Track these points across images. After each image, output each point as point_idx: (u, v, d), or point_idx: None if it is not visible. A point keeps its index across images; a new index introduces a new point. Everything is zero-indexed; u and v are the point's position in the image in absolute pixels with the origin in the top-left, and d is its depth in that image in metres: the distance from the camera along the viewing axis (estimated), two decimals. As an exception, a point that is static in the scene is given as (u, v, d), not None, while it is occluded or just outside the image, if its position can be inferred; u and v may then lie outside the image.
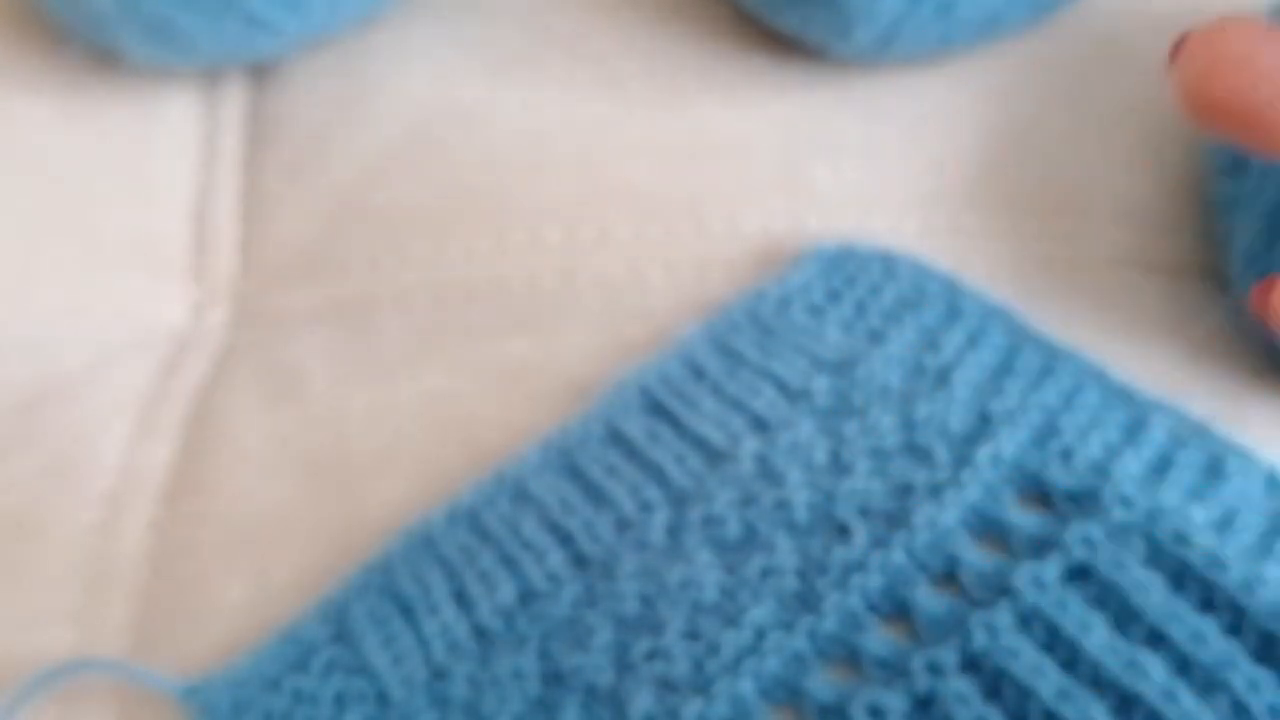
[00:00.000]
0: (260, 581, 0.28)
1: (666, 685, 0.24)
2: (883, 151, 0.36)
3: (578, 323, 0.32)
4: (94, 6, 0.35)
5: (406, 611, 0.26)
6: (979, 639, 0.23)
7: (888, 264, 0.31)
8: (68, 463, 0.30)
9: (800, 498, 0.26)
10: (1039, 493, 0.25)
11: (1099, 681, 0.22)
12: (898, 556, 0.25)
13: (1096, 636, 0.22)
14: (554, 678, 0.24)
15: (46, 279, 0.35)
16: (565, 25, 0.41)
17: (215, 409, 0.32)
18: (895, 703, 0.22)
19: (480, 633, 0.25)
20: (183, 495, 0.30)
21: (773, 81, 0.38)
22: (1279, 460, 0.26)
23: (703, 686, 0.24)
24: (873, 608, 0.24)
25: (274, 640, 0.26)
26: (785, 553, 0.25)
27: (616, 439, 0.29)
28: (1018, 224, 0.34)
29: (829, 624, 0.24)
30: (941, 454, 0.26)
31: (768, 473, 0.27)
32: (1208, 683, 0.21)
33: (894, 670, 0.23)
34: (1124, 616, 0.23)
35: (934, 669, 0.23)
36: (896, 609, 0.24)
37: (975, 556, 0.25)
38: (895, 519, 0.25)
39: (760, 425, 0.28)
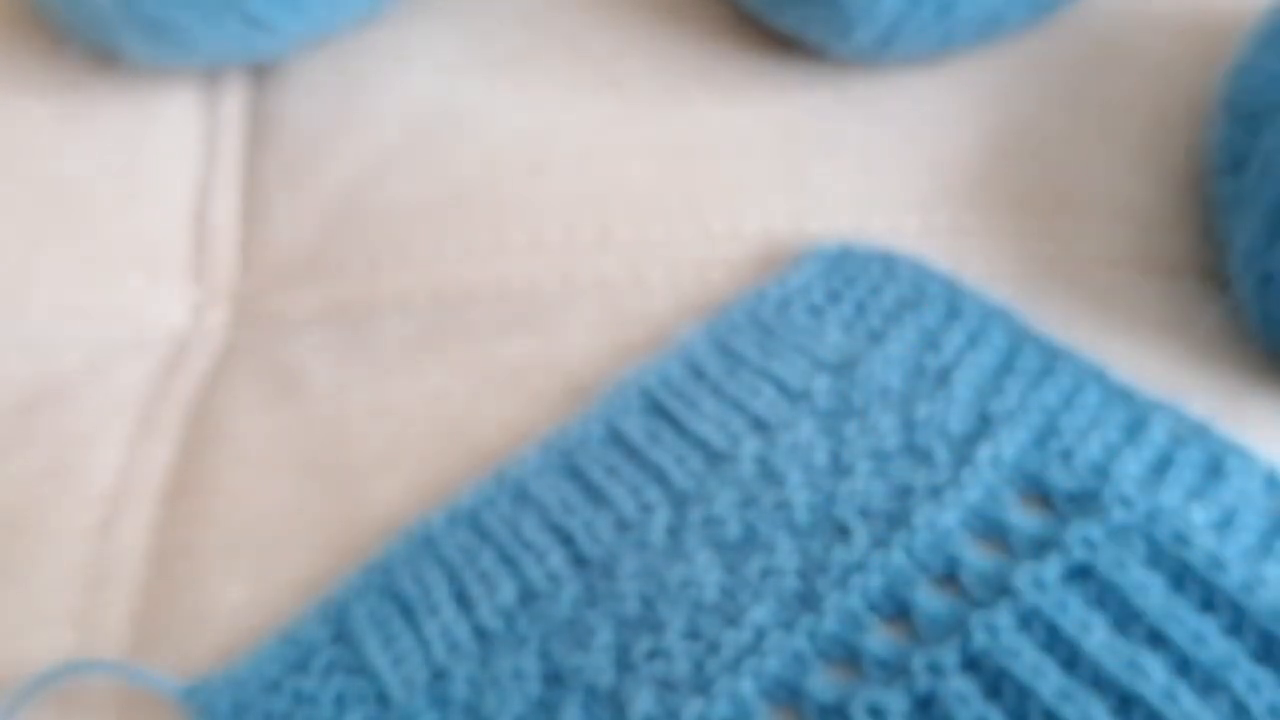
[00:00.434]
0: (260, 582, 0.28)
1: (667, 685, 0.24)
2: (883, 152, 0.36)
3: (578, 323, 0.32)
4: (94, 6, 0.35)
5: (407, 612, 0.26)
6: (979, 639, 0.23)
7: (887, 264, 0.31)
8: (67, 463, 0.30)
9: (800, 498, 0.26)
10: (1039, 493, 0.26)
11: (1099, 681, 0.22)
12: (898, 557, 0.25)
13: (1097, 637, 0.22)
14: (554, 678, 0.24)
15: (46, 279, 0.35)
16: (565, 25, 0.41)
17: (215, 409, 0.32)
18: (895, 703, 0.22)
19: (481, 633, 0.25)
20: (182, 495, 0.30)
21: (773, 81, 0.38)
22: (1279, 460, 0.26)
23: (703, 686, 0.24)
24: (873, 608, 0.24)
25: (274, 641, 0.26)
26: (785, 553, 0.25)
27: (617, 440, 0.29)
28: (1018, 224, 0.34)
29: (829, 624, 0.24)
30: (942, 454, 0.26)
31: (768, 473, 0.27)
32: (1208, 683, 0.22)
33: (894, 670, 0.23)
34: (1124, 617, 0.23)
35: (934, 669, 0.23)
36: (897, 609, 0.24)
37: (975, 557, 0.25)
38: (895, 519, 0.25)
39: (761, 426, 0.28)
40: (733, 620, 0.24)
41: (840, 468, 0.27)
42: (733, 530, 0.26)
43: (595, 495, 0.27)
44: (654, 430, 0.28)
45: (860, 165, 0.35)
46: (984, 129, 0.36)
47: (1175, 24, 0.39)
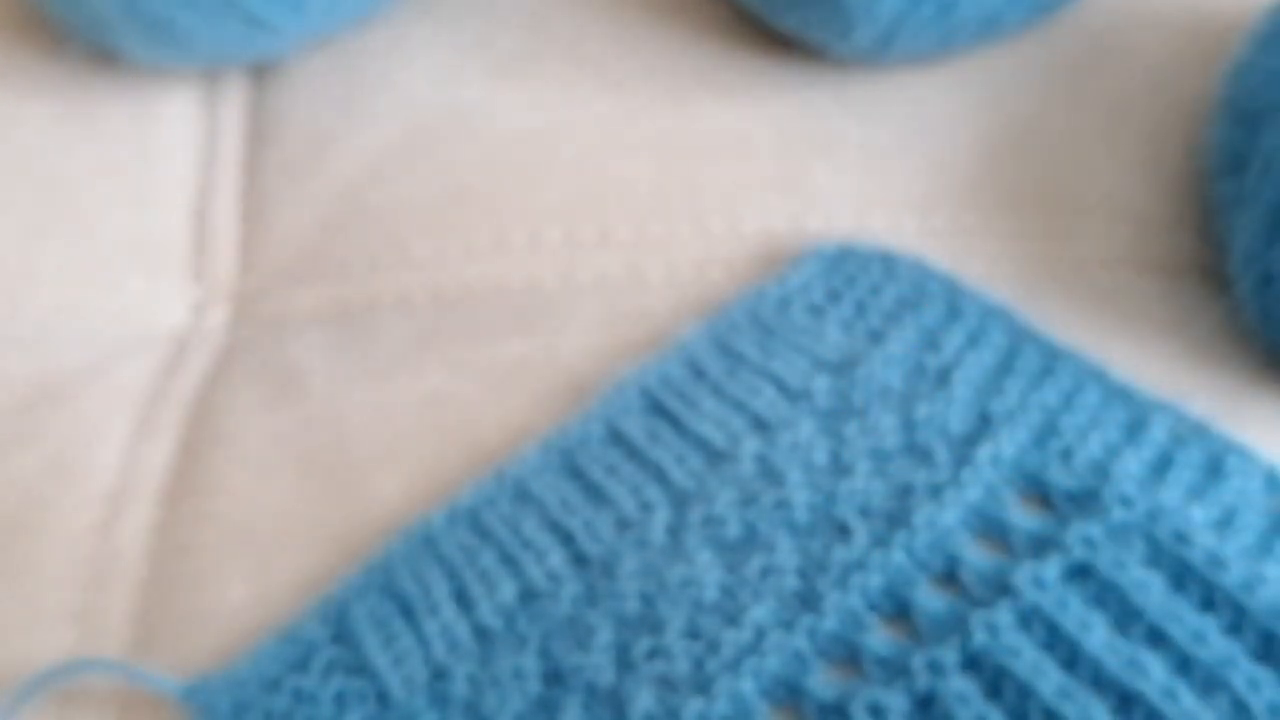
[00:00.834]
0: (260, 581, 0.28)
1: (667, 684, 0.24)
2: (882, 151, 0.36)
3: (578, 323, 0.32)
4: (95, 7, 0.35)
5: (407, 611, 0.26)
6: (980, 638, 0.23)
7: (887, 264, 0.31)
8: (68, 462, 0.30)
9: (801, 498, 0.26)
10: (1039, 493, 0.26)
11: (1099, 680, 0.22)
12: (898, 556, 0.25)
13: (1097, 636, 0.22)
14: (555, 677, 0.24)
15: (47, 278, 0.36)
16: (565, 26, 0.41)
17: (215, 409, 0.32)
18: (896, 702, 0.22)
19: (481, 632, 0.25)
20: (182, 495, 0.30)
21: (772, 81, 0.38)
22: (1279, 460, 0.26)
23: (703, 686, 0.24)
24: (873, 607, 0.24)
25: (274, 640, 0.26)
26: (786, 552, 0.25)
27: (617, 439, 0.29)
28: (1017, 224, 0.34)
29: (829, 623, 0.24)
30: (942, 454, 0.26)
31: (768, 473, 0.27)
32: (1208, 682, 0.21)
33: (894, 669, 0.23)
34: (1124, 616, 0.23)
35: (935, 668, 0.23)
36: (897, 608, 0.24)
37: (976, 556, 0.25)
38: (896, 519, 0.25)
39: (761, 425, 0.28)
40: (733, 619, 0.24)
41: (840, 467, 0.27)
42: (733, 529, 0.26)
43: (595, 494, 0.27)
44: (654, 429, 0.28)
45: (860, 165, 0.36)
46: (983, 129, 0.36)
47: (1173, 24, 0.39)
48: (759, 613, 0.24)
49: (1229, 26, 0.35)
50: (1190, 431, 0.26)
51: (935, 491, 0.26)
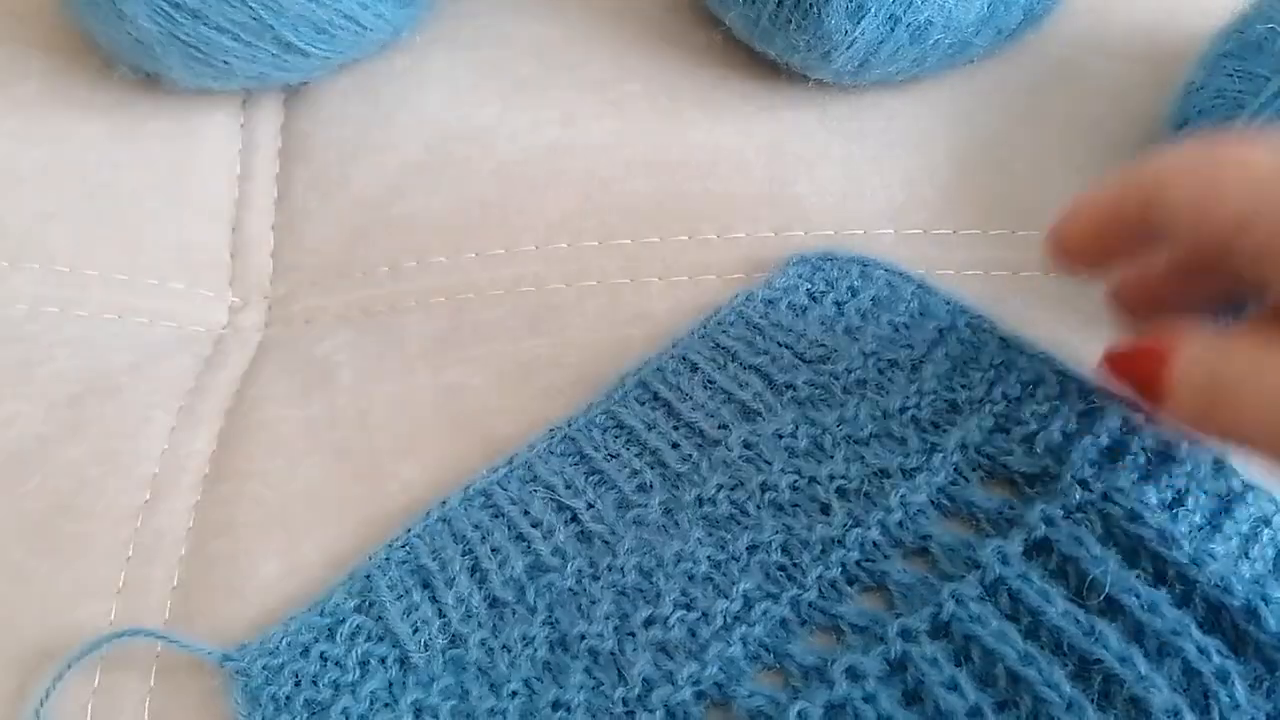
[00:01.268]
0: (291, 558, 0.28)
1: (663, 650, 0.24)
2: (861, 166, 0.36)
3: (582, 323, 0.33)
4: (139, 33, 0.35)
5: (425, 584, 0.26)
6: (949, 608, 0.23)
7: (864, 268, 0.31)
8: (114, 451, 0.30)
9: (784, 480, 0.26)
10: (1003, 475, 0.26)
11: (1059, 647, 0.22)
12: (874, 533, 0.25)
13: (1056, 606, 0.22)
14: (561, 643, 0.24)
15: (96, 283, 0.36)
16: (571, 52, 0.41)
17: (250, 401, 0.32)
18: (872, 666, 0.23)
19: (493, 602, 0.25)
20: (220, 479, 0.30)
21: (760, 103, 0.38)
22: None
23: (696, 651, 0.24)
24: (851, 580, 0.24)
25: (304, 611, 0.26)
26: (771, 530, 0.25)
27: (618, 427, 0.29)
28: (985, 232, 0.34)
29: (811, 594, 0.24)
30: (913, 440, 0.26)
31: (755, 457, 0.27)
32: (1160, 649, 0.21)
33: (871, 636, 0.23)
34: (1082, 588, 0.23)
35: (907, 635, 0.23)
36: (873, 581, 0.24)
37: (945, 533, 0.25)
38: (872, 499, 0.25)
39: (748, 414, 0.28)
40: (723, 591, 0.25)
41: (821, 452, 0.27)
42: (723, 509, 0.26)
43: (598, 477, 0.28)
44: (651, 418, 0.29)
45: (841, 178, 0.36)
46: (954, 145, 0.36)
47: (1129, 51, 0.39)
48: (747, 585, 0.24)
49: (1178, 52, 0.35)
50: (1143, 419, 0.26)
51: (908, 474, 0.26)
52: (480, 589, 0.26)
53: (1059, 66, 0.38)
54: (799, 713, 0.22)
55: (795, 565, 0.25)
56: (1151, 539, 0.23)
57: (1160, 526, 0.23)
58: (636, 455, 0.28)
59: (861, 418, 0.27)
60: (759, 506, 0.26)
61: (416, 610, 0.25)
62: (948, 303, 0.30)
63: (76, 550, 0.28)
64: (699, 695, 0.23)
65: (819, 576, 0.24)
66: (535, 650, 0.24)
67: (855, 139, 0.37)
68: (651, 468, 0.27)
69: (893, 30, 0.34)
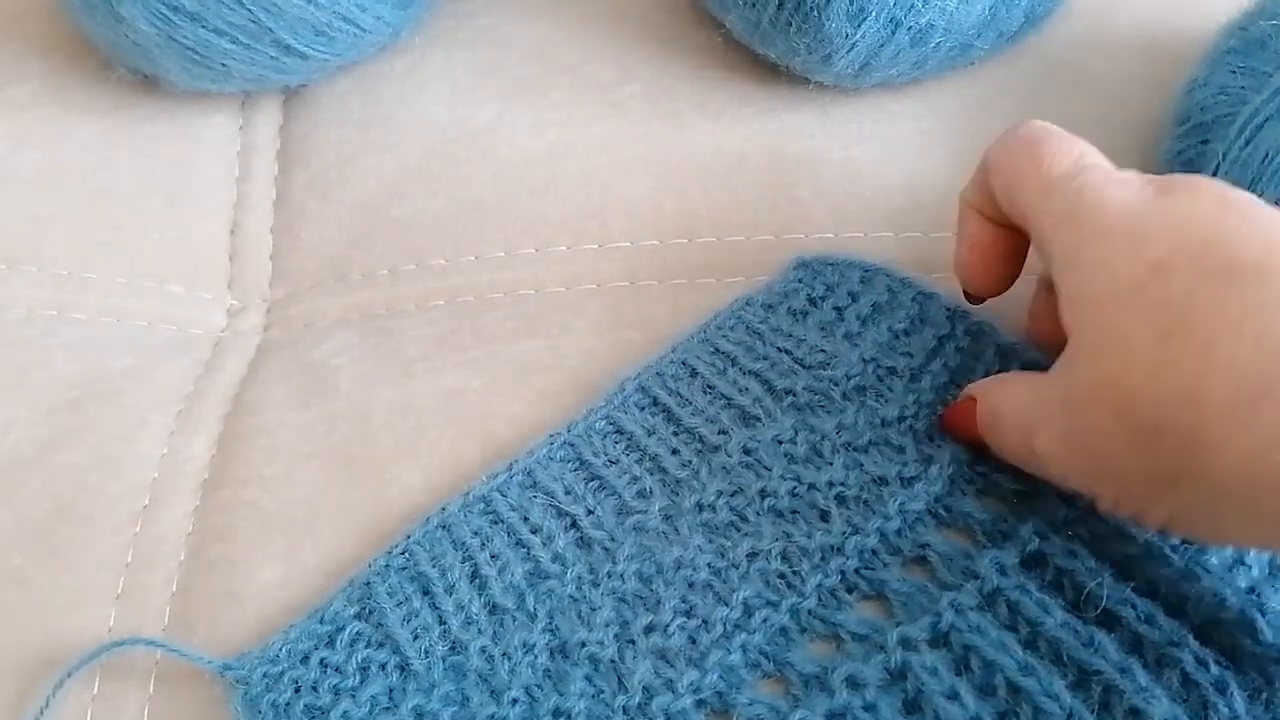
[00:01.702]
0: (290, 563, 0.28)
1: (663, 657, 0.24)
2: (861, 169, 0.36)
3: (582, 326, 0.32)
4: (137, 36, 0.35)
5: (425, 591, 0.26)
6: (948, 618, 0.23)
7: (865, 273, 0.31)
8: (113, 455, 0.30)
9: (784, 487, 0.26)
10: (995, 493, 0.25)
11: (1059, 657, 0.22)
12: (873, 541, 0.25)
13: (1055, 617, 0.22)
14: (561, 651, 0.24)
15: (94, 285, 0.35)
16: (570, 54, 0.41)
17: (249, 405, 0.32)
18: (872, 675, 0.22)
19: (493, 609, 0.25)
20: (219, 485, 0.30)
21: (761, 105, 0.38)
22: None
23: (697, 659, 0.24)
24: (850, 588, 0.24)
25: (304, 619, 0.26)
26: (770, 537, 0.25)
27: (618, 432, 0.29)
28: (985, 236, 0.34)
29: (811, 602, 0.24)
30: (911, 450, 0.26)
31: (754, 464, 0.27)
32: (1159, 660, 0.21)
33: (871, 645, 0.23)
34: (1079, 600, 0.23)
35: (907, 644, 0.23)
36: (873, 589, 0.24)
37: (943, 542, 0.25)
38: (870, 506, 0.25)
39: (747, 419, 0.28)
40: (723, 598, 0.24)
41: (820, 458, 0.27)
42: (722, 516, 0.26)
43: (597, 483, 0.27)
44: (651, 424, 0.28)
45: (841, 181, 0.35)
46: (954, 148, 0.36)
47: (1129, 52, 0.39)
48: (747, 592, 0.24)
49: (1179, 54, 0.35)
50: None
51: (906, 483, 0.26)
52: (480, 596, 0.25)
53: (1060, 69, 0.38)
54: (799, 721, 0.22)
55: (795, 573, 0.25)
56: (1139, 554, 0.23)
57: (1146, 541, 0.23)
58: (636, 461, 0.28)
59: (860, 425, 0.27)
60: (759, 513, 0.26)
61: (416, 617, 0.25)
62: (947, 309, 0.29)
63: (75, 556, 0.28)
64: (699, 703, 0.23)
65: (819, 584, 0.24)
66: (536, 657, 0.24)
67: (856, 142, 0.36)
68: (651, 474, 0.27)
69: (894, 33, 0.33)
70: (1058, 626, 0.22)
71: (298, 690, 0.24)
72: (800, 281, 0.31)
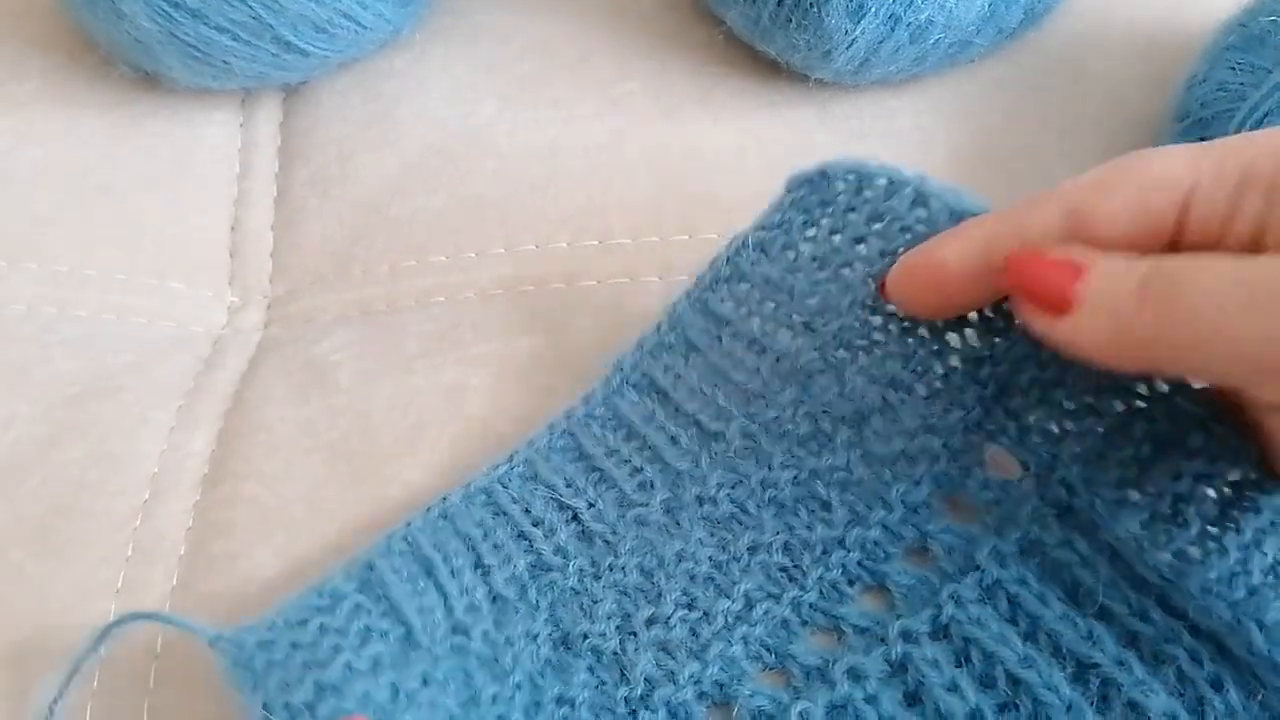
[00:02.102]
0: (290, 559, 0.28)
1: (665, 650, 0.24)
2: (861, 165, 0.36)
3: (582, 322, 0.32)
4: (138, 33, 0.35)
5: (429, 573, 0.25)
6: (948, 610, 0.23)
7: (861, 177, 0.27)
8: (114, 451, 0.30)
9: (784, 476, 0.26)
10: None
11: (1058, 650, 0.22)
12: (875, 534, 0.25)
13: (1054, 609, 0.22)
14: (564, 642, 0.24)
15: (95, 282, 0.35)
16: (570, 50, 0.41)
17: (249, 401, 0.32)
18: (874, 667, 0.22)
19: (496, 598, 0.25)
20: (219, 480, 0.30)
21: (761, 102, 0.38)
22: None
23: (698, 651, 0.24)
24: (852, 580, 0.24)
25: (300, 593, 0.24)
26: (771, 530, 0.25)
27: (616, 420, 0.28)
28: (985, 231, 0.34)
29: (812, 595, 0.24)
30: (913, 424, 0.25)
31: (755, 449, 0.26)
32: (1155, 655, 0.21)
33: (872, 637, 0.23)
34: (1075, 594, 0.22)
35: (908, 636, 0.23)
36: (874, 580, 0.24)
37: (945, 529, 0.24)
38: (872, 494, 0.25)
39: (745, 396, 0.27)
40: (724, 591, 0.24)
41: (822, 435, 0.25)
42: (723, 508, 0.26)
43: (598, 475, 0.27)
44: (649, 410, 0.28)
45: (841, 177, 0.35)
46: (954, 144, 0.36)
47: (1128, 49, 0.39)
48: (748, 585, 0.24)
49: (1178, 51, 0.35)
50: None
51: (910, 463, 0.24)
52: (483, 583, 0.25)
53: (1059, 65, 0.38)
54: (801, 713, 0.22)
55: (796, 566, 0.25)
56: (1130, 553, 0.23)
57: (1139, 534, 0.23)
58: (636, 451, 0.27)
59: (861, 386, 0.25)
60: (760, 505, 0.26)
61: (420, 595, 0.24)
62: (945, 199, 0.26)
63: (76, 551, 0.28)
64: (701, 695, 0.23)
65: (820, 577, 0.24)
66: (539, 647, 0.24)
67: (855, 138, 0.37)
68: (651, 464, 0.27)
69: (893, 29, 0.34)
70: (1057, 619, 0.22)
71: (295, 647, 0.23)
72: (794, 207, 0.28)
